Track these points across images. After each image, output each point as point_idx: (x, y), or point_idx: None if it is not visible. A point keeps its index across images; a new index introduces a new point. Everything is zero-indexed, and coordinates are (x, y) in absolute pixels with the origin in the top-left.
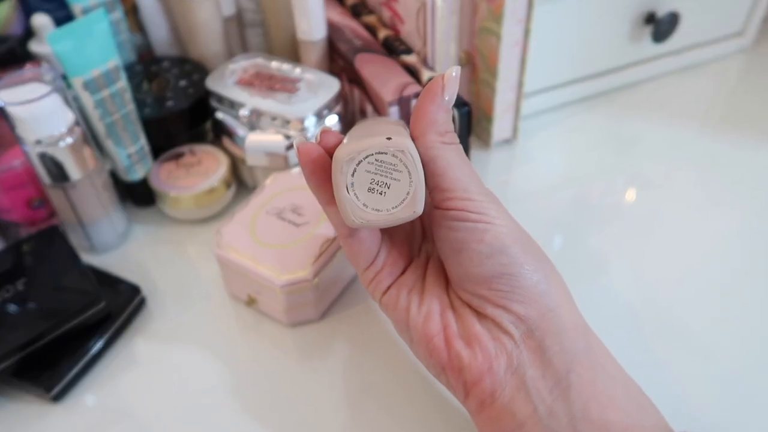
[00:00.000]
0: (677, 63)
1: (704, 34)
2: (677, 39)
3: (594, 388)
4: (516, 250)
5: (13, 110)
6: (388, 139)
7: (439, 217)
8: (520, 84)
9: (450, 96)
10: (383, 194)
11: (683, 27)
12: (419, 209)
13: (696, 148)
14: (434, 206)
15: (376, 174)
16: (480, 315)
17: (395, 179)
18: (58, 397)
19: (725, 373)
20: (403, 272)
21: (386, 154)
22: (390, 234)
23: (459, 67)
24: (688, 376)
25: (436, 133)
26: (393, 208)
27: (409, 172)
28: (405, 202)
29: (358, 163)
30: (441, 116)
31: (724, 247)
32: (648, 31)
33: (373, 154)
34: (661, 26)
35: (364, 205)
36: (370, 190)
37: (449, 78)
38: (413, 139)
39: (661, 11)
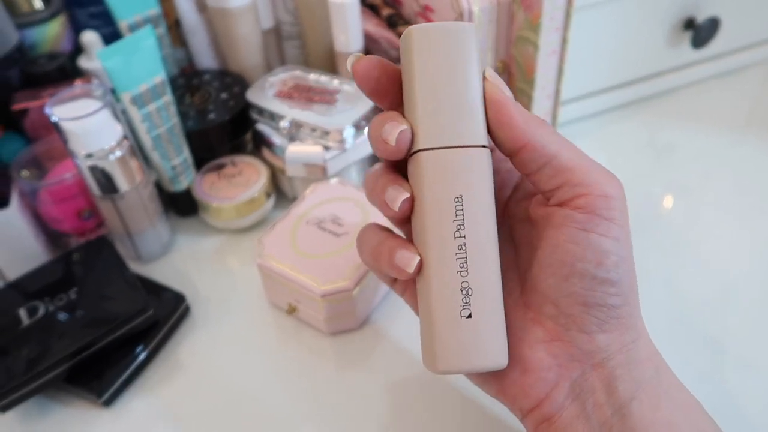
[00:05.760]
0: (716, 68)
1: (744, 38)
2: (716, 44)
3: (654, 415)
4: (627, 281)
5: (66, 125)
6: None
7: (560, 217)
8: (557, 92)
9: (509, 92)
10: None
11: (723, 31)
12: None
13: (734, 155)
14: (554, 203)
15: None
16: (550, 333)
17: None
18: (108, 402)
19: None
20: None
21: None
22: None
23: (491, 68)
24: (728, 389)
25: (541, 125)
26: None
27: None
28: None
29: None
30: (524, 112)
31: (763, 257)
32: (687, 36)
33: None
34: (701, 32)
35: None
36: None
37: (494, 77)
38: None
39: (701, 17)
